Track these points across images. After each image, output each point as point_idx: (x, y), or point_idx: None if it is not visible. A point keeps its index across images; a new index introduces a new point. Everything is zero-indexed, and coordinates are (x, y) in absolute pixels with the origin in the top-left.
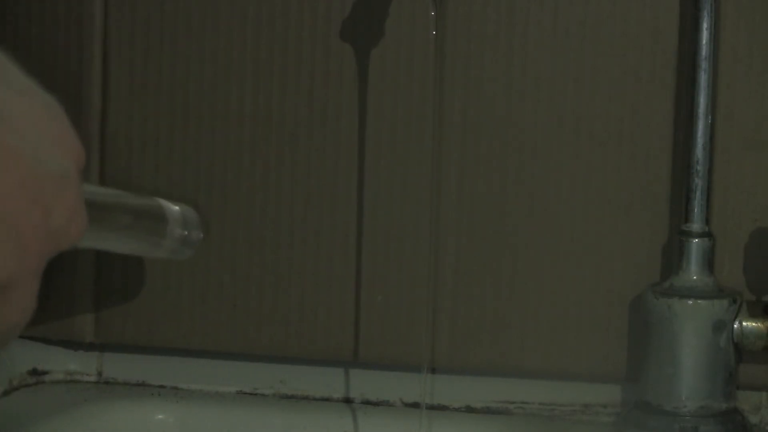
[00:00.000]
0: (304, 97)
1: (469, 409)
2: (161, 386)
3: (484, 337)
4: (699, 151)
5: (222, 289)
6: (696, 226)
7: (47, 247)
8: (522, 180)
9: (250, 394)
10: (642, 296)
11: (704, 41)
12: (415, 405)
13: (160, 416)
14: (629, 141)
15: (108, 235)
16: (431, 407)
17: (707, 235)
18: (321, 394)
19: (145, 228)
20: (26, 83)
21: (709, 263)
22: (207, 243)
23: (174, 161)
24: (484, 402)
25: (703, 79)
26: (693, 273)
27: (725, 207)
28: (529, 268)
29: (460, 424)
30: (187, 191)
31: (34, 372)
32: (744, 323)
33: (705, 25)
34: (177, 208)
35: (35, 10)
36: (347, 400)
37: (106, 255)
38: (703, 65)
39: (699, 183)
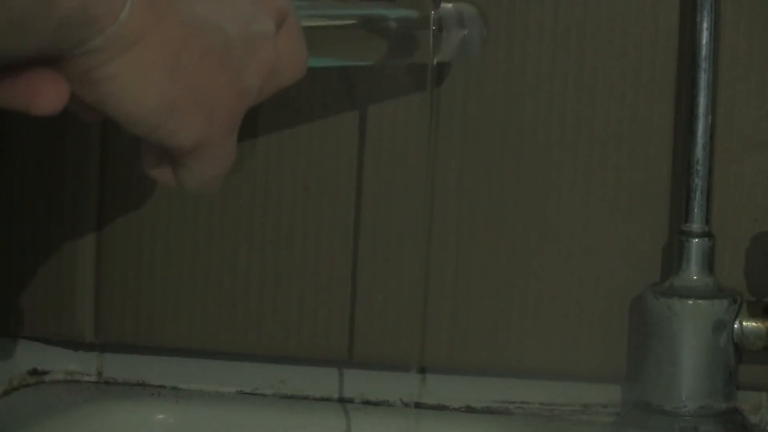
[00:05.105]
0: (304, 97)
1: (469, 409)
2: (161, 386)
3: (484, 337)
4: (699, 151)
5: (222, 289)
6: (696, 226)
7: (239, 107)
8: (522, 180)
9: (250, 394)
10: (642, 296)
11: (704, 41)
12: (416, 405)
13: (160, 416)
14: (629, 141)
15: (352, 54)
16: (431, 407)
17: (707, 235)
18: (321, 394)
19: (401, 40)
20: None
21: (709, 263)
22: (207, 243)
23: None
24: (484, 402)
25: (703, 79)
26: (693, 273)
27: (725, 207)
28: (529, 268)
29: (460, 424)
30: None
31: (34, 372)
32: (744, 323)
33: (705, 25)
34: (449, 6)
35: None
36: (347, 400)
37: (106, 254)
38: (703, 65)
39: (699, 183)
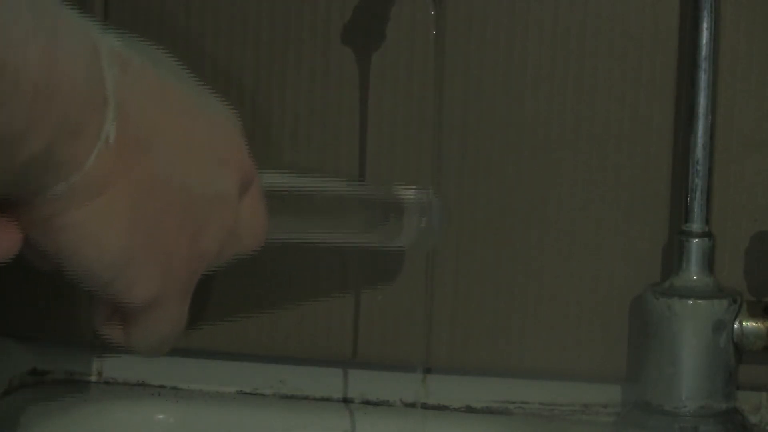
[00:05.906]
0: (304, 98)
1: (469, 409)
2: (161, 386)
3: (483, 337)
4: (699, 151)
5: (222, 289)
6: (696, 226)
7: (195, 268)
8: (522, 180)
9: (250, 394)
10: (642, 296)
11: (704, 41)
12: (415, 405)
13: (160, 416)
14: (629, 141)
15: (312, 231)
16: (431, 407)
17: (707, 235)
18: (321, 394)
19: (359, 220)
20: (190, 102)
21: (709, 263)
22: None
23: None
24: (484, 402)
25: (703, 79)
26: (693, 273)
27: (725, 207)
28: (529, 268)
29: (460, 424)
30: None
31: (34, 372)
32: (744, 323)
33: (705, 25)
34: (412, 193)
35: None
36: (347, 400)
37: None
38: (703, 65)
39: (699, 183)
